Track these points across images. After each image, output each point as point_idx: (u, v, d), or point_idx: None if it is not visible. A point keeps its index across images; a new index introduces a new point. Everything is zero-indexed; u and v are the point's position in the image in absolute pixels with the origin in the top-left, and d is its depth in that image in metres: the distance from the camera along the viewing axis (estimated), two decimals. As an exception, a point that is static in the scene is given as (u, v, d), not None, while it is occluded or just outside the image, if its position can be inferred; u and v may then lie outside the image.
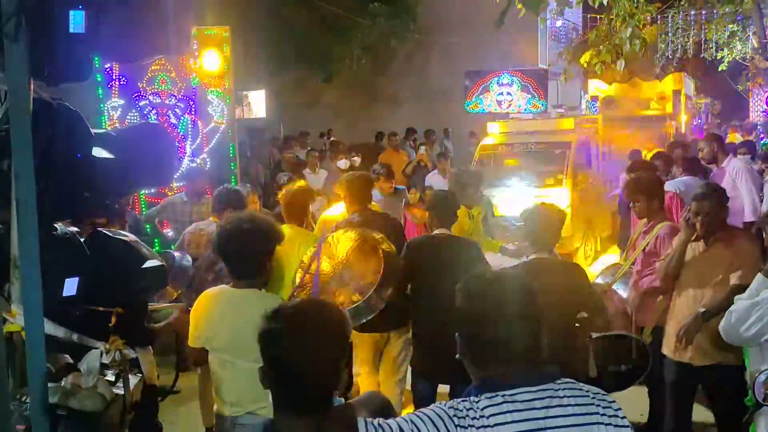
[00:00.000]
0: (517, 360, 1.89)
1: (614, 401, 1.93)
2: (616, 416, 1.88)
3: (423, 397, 4.61)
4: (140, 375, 3.36)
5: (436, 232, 4.83)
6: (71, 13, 2.88)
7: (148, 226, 7.30)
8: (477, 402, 1.84)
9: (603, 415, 1.87)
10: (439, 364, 4.42)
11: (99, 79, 7.84)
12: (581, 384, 1.93)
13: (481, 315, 1.91)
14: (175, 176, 3.87)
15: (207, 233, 5.56)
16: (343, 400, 2.05)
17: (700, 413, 4.82)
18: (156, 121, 7.82)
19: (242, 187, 6.67)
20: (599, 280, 5.25)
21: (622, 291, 5.09)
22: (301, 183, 6.18)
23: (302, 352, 1.89)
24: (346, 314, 2.14)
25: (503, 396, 1.84)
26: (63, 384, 2.99)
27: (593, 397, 1.89)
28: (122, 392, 3.12)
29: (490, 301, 1.91)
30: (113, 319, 3.71)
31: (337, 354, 1.95)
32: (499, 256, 6.05)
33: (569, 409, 1.84)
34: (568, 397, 1.86)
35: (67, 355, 3.26)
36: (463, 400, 1.86)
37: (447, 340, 4.20)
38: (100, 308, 3.65)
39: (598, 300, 4.39)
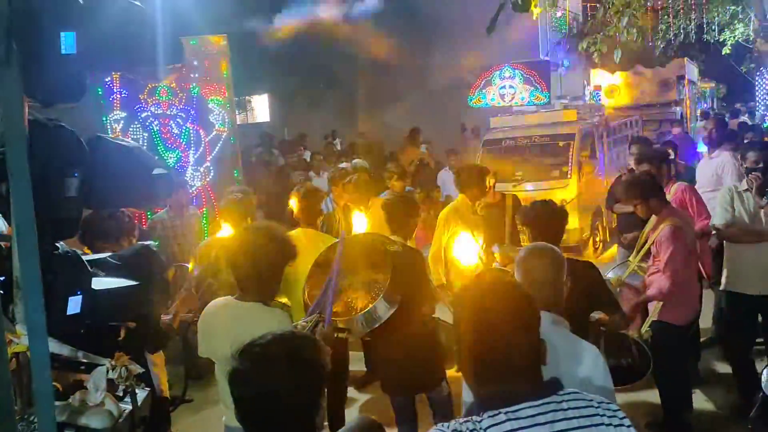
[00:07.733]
0: (518, 373, 1.80)
1: (619, 409, 1.87)
2: (622, 425, 1.83)
3: (402, 408, 4.58)
4: (148, 389, 3.37)
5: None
6: (62, 34, 2.89)
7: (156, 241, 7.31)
8: (480, 421, 1.76)
9: (609, 424, 1.82)
10: (403, 377, 4.42)
11: (100, 92, 7.88)
12: (584, 393, 1.87)
13: (476, 329, 1.82)
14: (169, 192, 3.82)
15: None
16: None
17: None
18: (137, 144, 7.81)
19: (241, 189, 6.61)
20: (610, 275, 5.22)
21: (637, 283, 5.06)
22: (308, 185, 6.20)
23: (272, 391, 1.82)
24: (321, 344, 2.05)
25: (506, 413, 1.76)
26: (71, 402, 3.01)
27: (597, 406, 1.84)
28: (130, 407, 3.13)
29: (484, 313, 1.82)
30: (122, 333, 3.72)
31: (312, 387, 1.89)
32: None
33: (574, 422, 1.78)
34: (573, 408, 1.80)
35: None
36: (465, 421, 1.78)
37: (406, 352, 4.19)
38: (111, 323, 3.65)
39: (614, 297, 4.31)
